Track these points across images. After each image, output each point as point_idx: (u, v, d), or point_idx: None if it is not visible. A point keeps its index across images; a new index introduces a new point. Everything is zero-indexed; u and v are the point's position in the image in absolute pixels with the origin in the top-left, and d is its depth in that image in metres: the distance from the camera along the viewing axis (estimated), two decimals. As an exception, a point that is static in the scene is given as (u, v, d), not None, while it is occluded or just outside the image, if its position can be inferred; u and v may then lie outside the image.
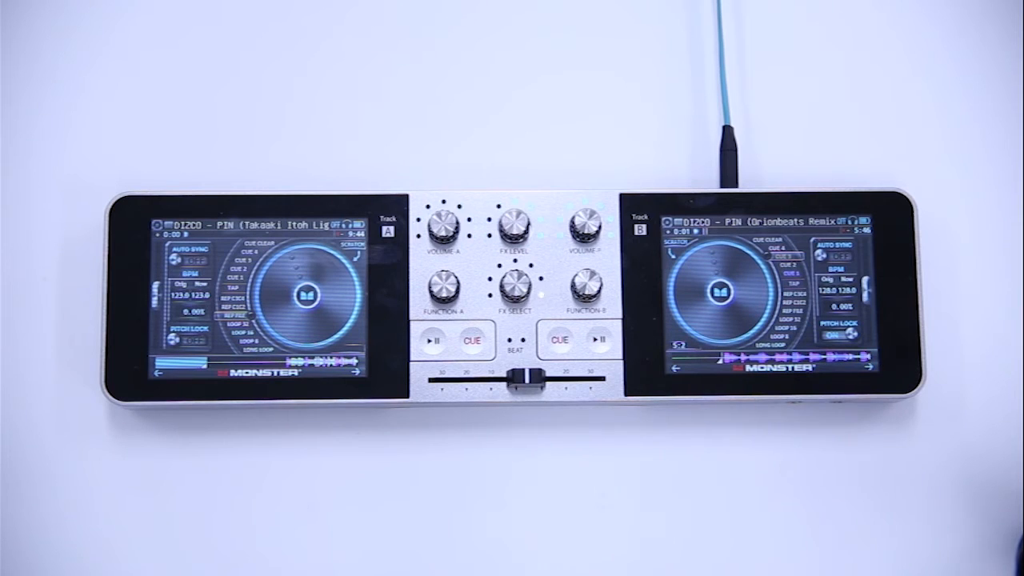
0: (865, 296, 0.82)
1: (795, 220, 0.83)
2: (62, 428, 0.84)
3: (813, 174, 0.86)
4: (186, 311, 0.82)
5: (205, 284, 0.82)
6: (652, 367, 0.82)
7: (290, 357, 0.82)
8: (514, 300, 0.82)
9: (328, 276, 0.82)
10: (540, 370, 0.81)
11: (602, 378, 0.82)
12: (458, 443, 0.84)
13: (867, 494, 0.84)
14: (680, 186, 0.86)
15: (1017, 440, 0.84)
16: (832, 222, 0.83)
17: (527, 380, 0.81)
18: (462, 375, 0.82)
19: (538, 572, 0.83)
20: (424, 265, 0.83)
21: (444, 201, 0.83)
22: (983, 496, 0.84)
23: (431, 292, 0.82)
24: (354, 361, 0.82)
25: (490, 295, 0.83)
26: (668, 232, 0.83)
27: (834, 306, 0.82)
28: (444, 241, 0.82)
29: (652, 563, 0.83)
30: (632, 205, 0.83)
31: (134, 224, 0.82)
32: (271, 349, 0.82)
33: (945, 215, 0.86)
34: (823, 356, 0.82)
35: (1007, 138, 0.87)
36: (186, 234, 0.82)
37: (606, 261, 0.83)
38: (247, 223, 0.82)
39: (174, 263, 0.82)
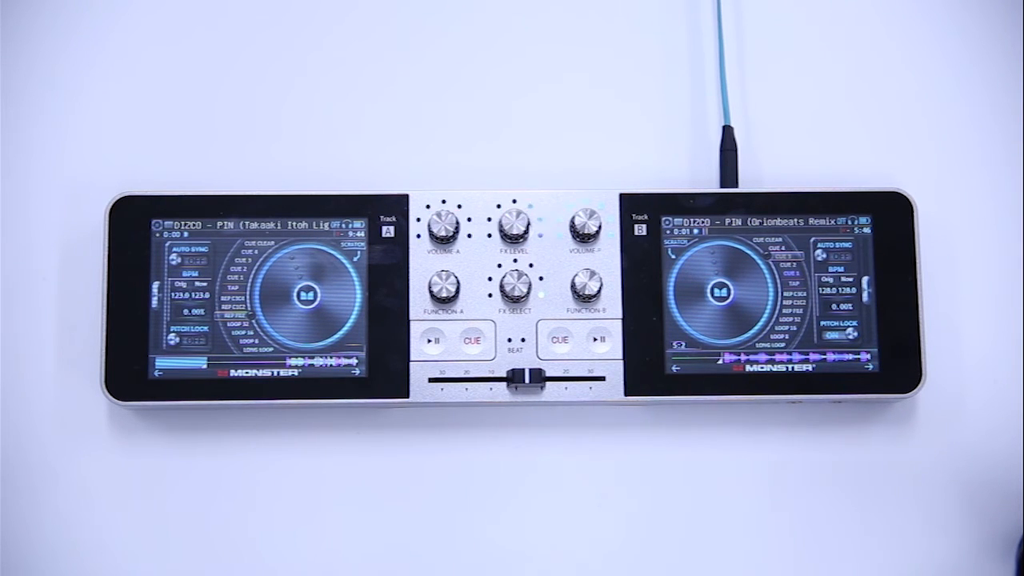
0: (865, 296, 0.82)
1: (795, 220, 0.83)
2: (62, 428, 0.84)
3: (813, 174, 0.86)
4: (186, 311, 0.82)
5: (205, 284, 0.82)
6: (652, 367, 0.82)
7: (290, 357, 0.82)
8: (514, 300, 0.82)
9: (328, 276, 0.82)
10: (540, 370, 0.81)
11: (602, 378, 0.82)
12: (458, 443, 0.84)
13: (867, 494, 0.84)
14: (680, 186, 0.86)
15: (1017, 440, 0.84)
16: (832, 222, 0.83)
17: (527, 380, 0.81)
18: (462, 375, 0.82)
19: (538, 572, 0.83)
20: (424, 265, 0.83)
21: (444, 201, 0.83)
22: (983, 496, 0.84)
23: (431, 292, 0.82)
24: (354, 361, 0.82)
25: (490, 295, 0.83)
26: (668, 232, 0.83)
27: (834, 306, 0.82)
28: (444, 241, 0.82)
29: (652, 563, 0.83)
30: (632, 205, 0.83)
31: (134, 224, 0.82)
32: (271, 349, 0.82)
33: (945, 215, 0.86)
34: (823, 356, 0.82)
35: (1007, 138, 0.87)
36: (186, 234, 0.82)
37: (606, 261, 0.83)
38: (247, 223, 0.82)
39: (174, 263, 0.82)
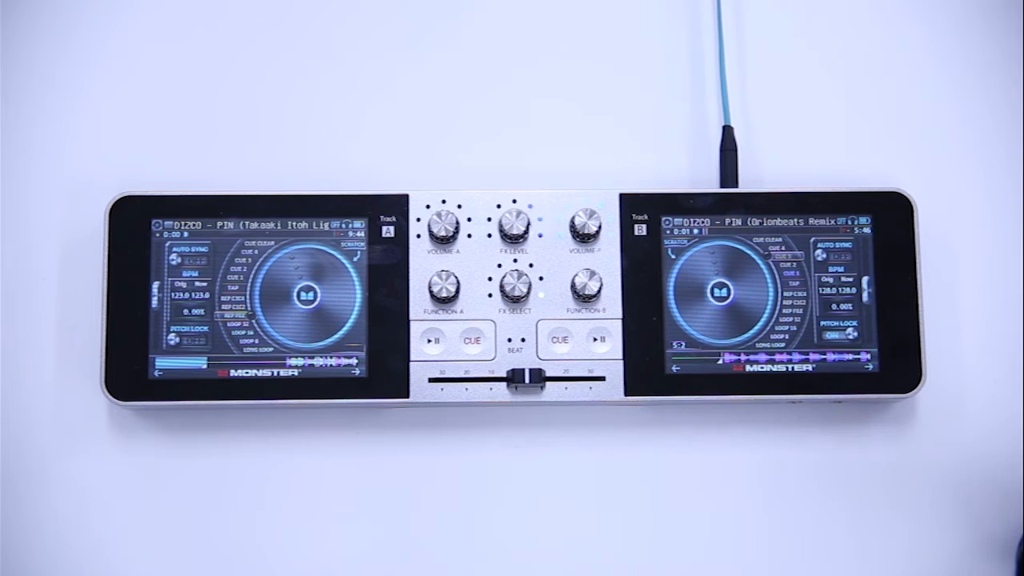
0: (865, 296, 0.82)
1: (795, 220, 0.83)
2: (62, 428, 0.83)
3: (813, 174, 0.86)
4: (186, 311, 0.82)
5: (205, 284, 0.82)
6: (652, 367, 0.82)
7: (290, 357, 0.82)
8: (514, 300, 0.82)
9: (328, 276, 0.82)
10: (540, 370, 0.81)
11: (602, 378, 0.82)
12: (458, 443, 0.84)
13: (867, 494, 0.84)
14: (680, 186, 0.86)
15: (1017, 440, 0.84)
16: (832, 222, 0.83)
17: (527, 380, 0.81)
18: (462, 375, 0.82)
19: (538, 572, 0.83)
20: (424, 265, 0.83)
21: (444, 201, 0.83)
22: (983, 496, 0.84)
23: (431, 292, 0.82)
24: (354, 361, 0.82)
25: (490, 295, 0.83)
26: (668, 232, 0.83)
27: (834, 306, 0.82)
28: (444, 241, 0.82)
29: (652, 563, 0.83)
30: (632, 205, 0.83)
31: (134, 224, 0.82)
32: (271, 349, 0.82)
33: (945, 215, 0.86)
34: (823, 356, 0.82)
35: (1007, 138, 0.87)
36: (186, 234, 0.82)
37: (606, 261, 0.83)
38: (247, 223, 0.82)
39: (174, 263, 0.82)
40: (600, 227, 0.83)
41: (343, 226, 0.83)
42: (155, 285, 0.82)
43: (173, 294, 0.82)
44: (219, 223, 0.82)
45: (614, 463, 0.84)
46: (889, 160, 0.87)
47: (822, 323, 0.82)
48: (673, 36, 0.88)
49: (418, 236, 0.83)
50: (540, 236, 0.83)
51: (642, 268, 0.83)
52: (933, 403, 0.84)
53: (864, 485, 0.84)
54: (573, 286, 0.82)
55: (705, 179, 0.86)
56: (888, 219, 0.83)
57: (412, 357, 0.82)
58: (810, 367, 0.82)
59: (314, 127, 0.87)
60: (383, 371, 0.81)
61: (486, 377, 0.82)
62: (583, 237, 0.82)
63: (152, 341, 0.81)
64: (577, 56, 0.88)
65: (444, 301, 0.82)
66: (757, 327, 0.82)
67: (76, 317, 0.84)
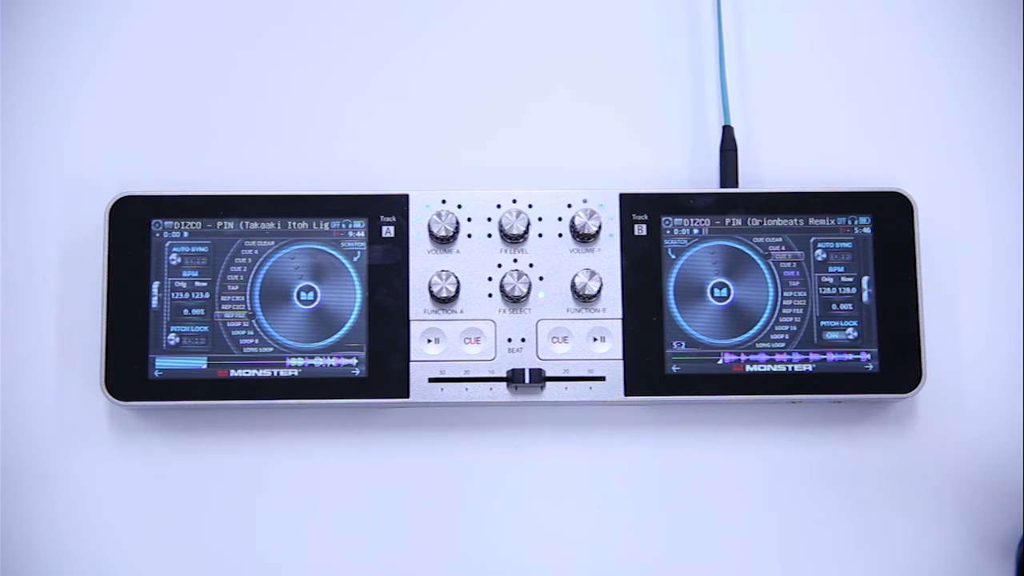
0: (865, 296, 0.82)
1: (795, 220, 0.83)
2: (62, 428, 0.84)
3: (813, 174, 0.86)
4: (186, 311, 0.82)
5: (205, 284, 0.82)
6: (652, 367, 0.82)
7: (290, 357, 0.82)
8: (514, 300, 0.82)
9: (328, 276, 0.82)
10: (540, 370, 0.81)
11: (602, 378, 0.82)
12: (458, 443, 0.84)
13: (866, 494, 0.84)
14: (680, 186, 0.86)
15: (1017, 440, 0.84)
16: (832, 222, 0.83)
17: (527, 380, 0.81)
18: (462, 375, 0.82)
19: (538, 571, 0.83)
20: (424, 265, 0.83)
21: (444, 201, 0.83)
22: (983, 496, 0.84)
23: (431, 292, 0.82)
24: (354, 361, 0.82)
25: (490, 295, 0.83)
26: (668, 232, 0.83)
27: (834, 306, 0.82)
28: (444, 241, 0.82)
29: (652, 563, 0.83)
30: (632, 205, 0.83)
31: (134, 224, 0.82)
32: (271, 349, 0.82)
33: (945, 215, 0.86)
34: (823, 356, 0.82)
35: (1007, 138, 0.87)
36: (186, 234, 0.82)
37: (606, 261, 0.83)
38: (247, 223, 0.82)
39: (174, 263, 0.82)
40: (600, 227, 0.83)
41: (343, 226, 0.83)
42: (155, 285, 0.82)
43: (173, 294, 0.82)
44: (219, 223, 0.82)
45: (614, 463, 0.84)
46: (889, 160, 0.87)
47: (822, 323, 0.82)
48: (673, 36, 0.88)
49: (418, 236, 0.83)
50: (540, 236, 0.83)
51: (642, 268, 0.83)
52: (933, 403, 0.84)
53: (864, 485, 0.84)
54: (573, 286, 0.82)
55: (705, 179, 0.86)
56: (888, 219, 0.83)
57: (412, 357, 0.82)
58: (810, 367, 0.82)
59: (314, 127, 0.87)
60: (383, 371, 0.81)
61: (486, 377, 0.82)
62: (583, 237, 0.82)
63: (152, 341, 0.81)
64: (577, 56, 0.88)
65: (444, 301, 0.82)
66: (757, 327, 0.82)
67: (76, 317, 0.84)
